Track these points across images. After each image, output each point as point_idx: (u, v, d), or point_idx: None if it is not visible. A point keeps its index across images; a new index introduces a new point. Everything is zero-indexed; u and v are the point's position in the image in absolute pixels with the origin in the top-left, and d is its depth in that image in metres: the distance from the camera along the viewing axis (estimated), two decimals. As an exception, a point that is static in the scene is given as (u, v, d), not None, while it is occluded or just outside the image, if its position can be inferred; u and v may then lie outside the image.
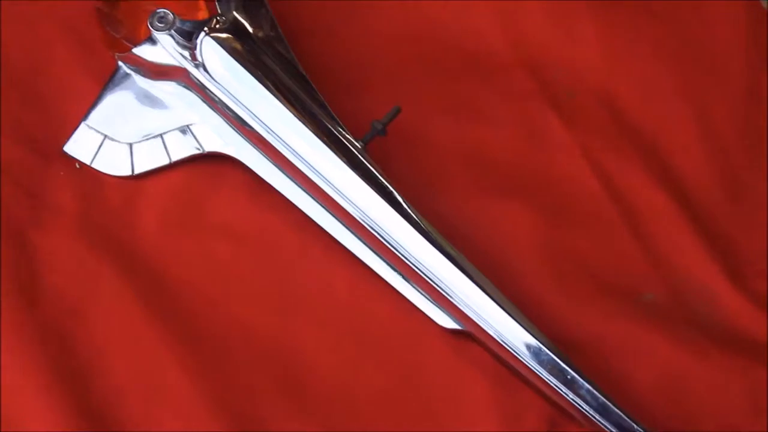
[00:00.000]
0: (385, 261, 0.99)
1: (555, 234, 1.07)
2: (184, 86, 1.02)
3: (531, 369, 0.94)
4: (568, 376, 0.93)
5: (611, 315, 1.03)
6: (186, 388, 0.93)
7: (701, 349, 1.02)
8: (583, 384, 0.93)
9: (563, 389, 0.94)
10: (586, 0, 1.21)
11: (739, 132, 1.17)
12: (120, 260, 0.99)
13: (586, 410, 0.93)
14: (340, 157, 0.98)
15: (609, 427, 0.93)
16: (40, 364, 0.92)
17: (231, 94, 0.99)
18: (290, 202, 1.01)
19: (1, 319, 0.94)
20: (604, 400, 0.93)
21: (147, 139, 1.03)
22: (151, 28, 1.00)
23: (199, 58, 0.99)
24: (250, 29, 1.03)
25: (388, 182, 0.98)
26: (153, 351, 0.95)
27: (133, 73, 1.04)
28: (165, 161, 1.03)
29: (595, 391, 0.93)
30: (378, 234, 0.97)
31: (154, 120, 1.04)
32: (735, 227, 1.12)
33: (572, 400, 0.94)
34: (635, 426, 0.93)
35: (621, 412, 0.93)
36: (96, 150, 1.03)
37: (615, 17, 1.21)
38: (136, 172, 1.03)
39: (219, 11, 1.02)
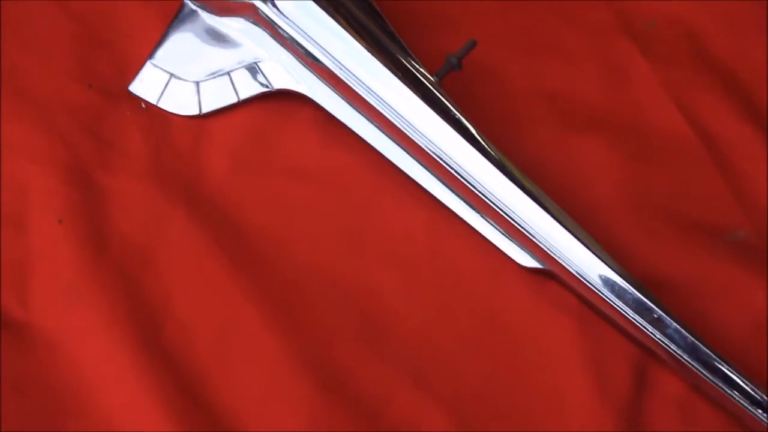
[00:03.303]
0: (462, 199, 0.97)
1: (638, 170, 1.04)
2: (252, 22, 1.00)
3: (616, 308, 0.91)
4: (655, 315, 0.90)
5: (698, 254, 0.99)
6: (258, 330, 0.91)
7: (793, 288, 0.98)
8: (671, 323, 0.90)
9: (650, 329, 0.91)
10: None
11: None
12: (189, 201, 0.97)
13: (674, 350, 0.90)
14: (414, 92, 0.95)
15: (698, 367, 0.90)
16: (110, 305, 0.90)
17: (301, 29, 0.97)
18: (363, 140, 0.98)
19: (71, 262, 0.92)
20: (693, 339, 0.90)
21: (214, 77, 1.01)
22: (217, -38, 0.98)
23: (268, -7, 0.97)
24: (319, -38, 1.00)
25: (464, 117, 0.95)
26: (223, 293, 0.93)
27: (199, 9, 1.02)
28: (233, 99, 1.01)
29: (683, 331, 0.90)
30: (455, 171, 0.94)
31: (221, 57, 1.01)
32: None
33: (659, 340, 0.91)
34: (726, 366, 0.89)
35: (711, 351, 0.90)
36: (162, 89, 1.01)
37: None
38: (204, 111, 1.01)
39: (287, -56, 0.99)
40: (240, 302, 0.92)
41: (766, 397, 0.89)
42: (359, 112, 0.98)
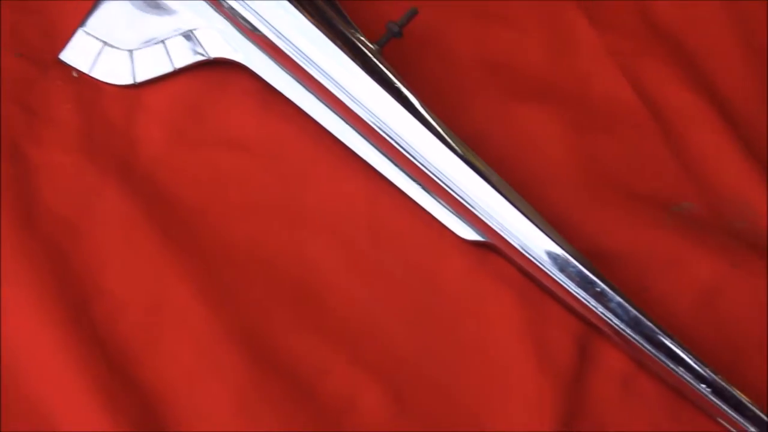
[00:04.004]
0: (402, 170, 0.95)
1: (584, 141, 1.02)
2: (187, -12, 0.97)
3: (558, 282, 0.90)
4: (598, 289, 0.89)
5: (644, 225, 0.98)
6: (189, 304, 0.89)
7: (739, 260, 0.97)
8: (614, 297, 0.89)
9: (592, 302, 0.89)
10: None
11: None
12: (121, 173, 0.94)
13: (616, 324, 0.89)
14: (354, 61, 0.93)
15: (641, 341, 0.89)
16: (38, 281, 0.87)
17: (238, -4, 0.94)
18: (302, 111, 0.96)
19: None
20: (636, 313, 0.89)
21: (148, 46, 0.98)
22: (150, -74, 0.95)
23: (203, -43, 0.94)
24: (257, -73, 0.97)
25: (405, 87, 0.93)
26: (155, 267, 0.90)
27: (133, -25, 0.99)
28: (168, 68, 0.98)
29: (626, 304, 0.89)
30: (395, 141, 0.92)
31: (155, 25, 0.98)
32: (774, 135, 1.06)
33: (602, 313, 0.89)
34: (670, 340, 0.88)
35: (654, 326, 0.89)
36: (95, 57, 0.98)
37: None
38: (138, 80, 0.98)
39: None
40: (172, 277, 0.90)
41: (710, 372, 0.88)
42: (298, 82, 0.96)
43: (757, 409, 0.88)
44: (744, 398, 0.88)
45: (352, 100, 0.93)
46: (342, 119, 0.95)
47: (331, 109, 0.95)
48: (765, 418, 0.88)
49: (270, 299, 0.91)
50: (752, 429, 0.88)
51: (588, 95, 1.05)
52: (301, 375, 0.88)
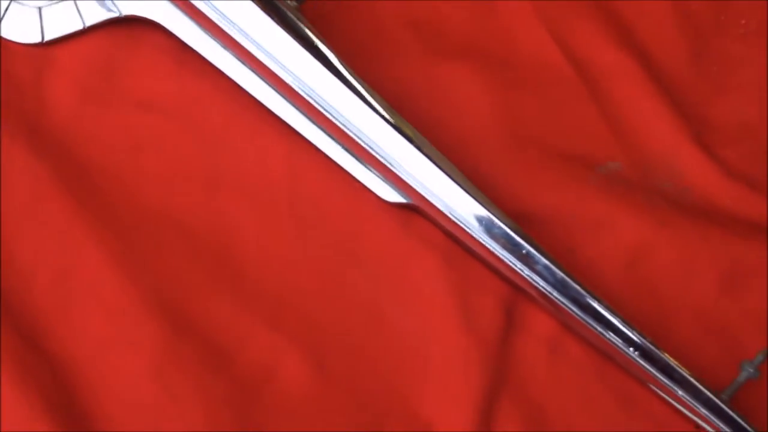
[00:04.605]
0: (323, 130, 0.92)
1: (509, 100, 1.00)
2: (97, -58, 0.93)
3: (483, 244, 0.88)
4: (524, 251, 0.87)
5: (570, 186, 0.97)
6: (101, 272, 0.86)
7: (666, 220, 0.97)
8: (540, 259, 0.88)
9: (518, 265, 0.88)
10: None
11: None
12: (30, 136, 0.90)
13: (543, 287, 0.88)
14: (271, 17, 0.89)
15: (568, 304, 0.88)
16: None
17: (149, -50, 0.90)
18: (218, 70, 0.92)
19: None
20: (563, 275, 0.88)
21: (58, 2, 0.94)
22: None
23: None
24: None
25: (324, 44, 0.90)
26: (65, 233, 0.87)
27: (40, -73, 0.94)
28: (78, 26, 0.94)
29: (552, 267, 0.88)
30: (314, 101, 0.89)
31: (65, -20, 0.94)
32: (701, 92, 1.06)
33: (528, 276, 0.88)
34: (597, 302, 0.87)
35: (581, 288, 0.87)
36: (1, 15, 0.93)
37: None
38: (47, 38, 0.94)
39: None
40: (82, 243, 0.86)
41: (638, 335, 0.87)
42: (214, 40, 0.92)
43: (684, 371, 0.87)
44: (672, 361, 0.87)
45: (269, 57, 0.89)
46: (260, 78, 0.92)
47: (248, 68, 0.92)
48: (693, 380, 0.87)
49: (186, 265, 0.88)
50: (681, 392, 0.87)
51: (514, 54, 1.03)
52: (220, 343, 0.86)
